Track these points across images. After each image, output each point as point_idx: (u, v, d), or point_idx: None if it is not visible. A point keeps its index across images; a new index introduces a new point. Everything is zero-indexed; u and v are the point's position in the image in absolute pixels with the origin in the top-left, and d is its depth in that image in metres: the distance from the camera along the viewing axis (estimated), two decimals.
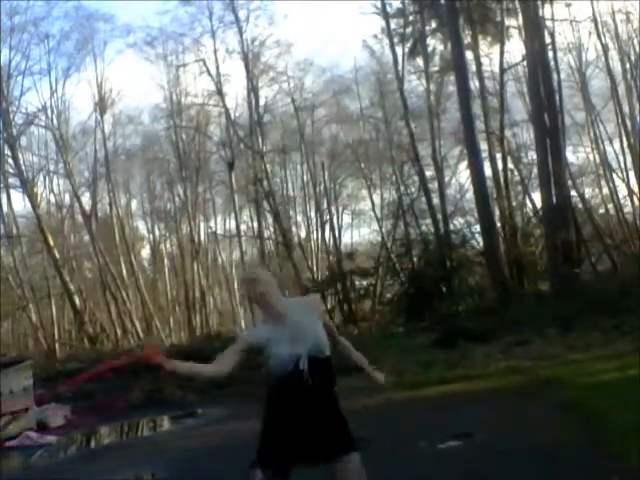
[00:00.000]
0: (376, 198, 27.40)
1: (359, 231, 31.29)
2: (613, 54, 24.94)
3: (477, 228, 22.91)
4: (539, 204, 22.30)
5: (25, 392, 10.40)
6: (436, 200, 23.71)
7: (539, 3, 20.92)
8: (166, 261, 32.83)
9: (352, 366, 3.58)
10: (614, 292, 15.82)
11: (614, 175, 25.36)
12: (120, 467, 7.23)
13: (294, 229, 28.81)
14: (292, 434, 3.22)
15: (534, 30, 20.16)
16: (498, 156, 22.95)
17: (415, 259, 23.53)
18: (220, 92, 26.39)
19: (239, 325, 28.77)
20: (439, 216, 23.16)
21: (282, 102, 27.87)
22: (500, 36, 23.20)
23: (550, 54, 21.10)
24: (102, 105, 27.52)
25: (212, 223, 31.12)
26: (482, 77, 23.35)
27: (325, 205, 28.04)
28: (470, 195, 23.24)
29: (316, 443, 3.22)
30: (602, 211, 25.61)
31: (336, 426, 3.29)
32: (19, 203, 40.05)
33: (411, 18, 25.15)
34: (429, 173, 24.36)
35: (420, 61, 25.23)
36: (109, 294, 26.52)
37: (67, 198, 28.85)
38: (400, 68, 24.11)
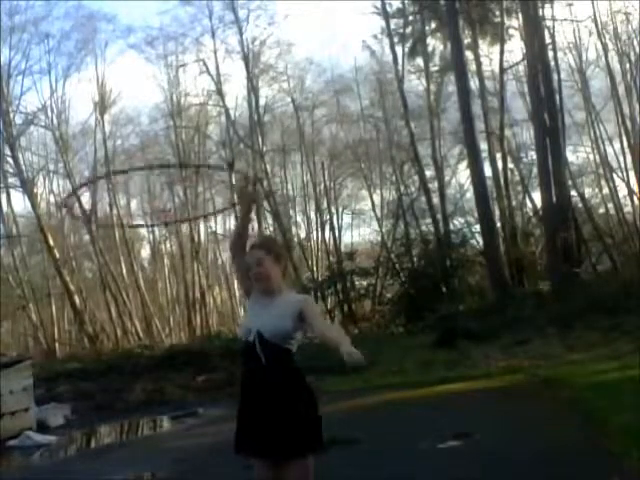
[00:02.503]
0: (376, 198, 27.42)
1: (359, 231, 31.29)
2: (614, 54, 24.96)
3: (477, 228, 22.93)
4: (539, 204, 22.33)
5: (25, 392, 10.39)
6: (436, 200, 23.72)
7: (539, 3, 20.93)
8: (166, 261, 32.84)
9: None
10: (614, 292, 15.83)
11: (614, 175, 25.36)
12: (120, 467, 7.23)
13: (294, 229, 28.82)
14: (250, 414, 3.16)
15: (534, 30, 20.16)
16: (498, 156, 22.95)
17: (415, 259, 23.54)
18: (220, 92, 26.40)
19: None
20: (439, 216, 23.17)
21: (282, 102, 27.89)
22: (500, 36, 23.21)
23: (550, 54, 21.10)
24: (102, 105, 27.51)
25: (212, 223, 31.16)
26: (482, 77, 23.36)
27: (325, 205, 28.05)
28: (470, 195, 23.28)
29: (271, 436, 3.09)
30: (602, 211, 25.60)
31: (294, 425, 3.10)
32: (19, 203, 39.99)
33: (411, 18, 25.17)
34: (429, 173, 24.39)
35: (420, 61, 25.27)
36: (109, 294, 26.52)
37: None
38: (400, 68, 24.12)
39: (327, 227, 27.43)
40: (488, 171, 21.74)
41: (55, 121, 27.18)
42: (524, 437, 6.21)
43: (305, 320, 3.17)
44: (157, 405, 12.18)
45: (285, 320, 3.14)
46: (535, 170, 22.01)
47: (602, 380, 8.58)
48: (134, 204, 33.18)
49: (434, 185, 24.15)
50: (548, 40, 21.26)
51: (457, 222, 25.09)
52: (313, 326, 3.16)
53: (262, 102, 26.97)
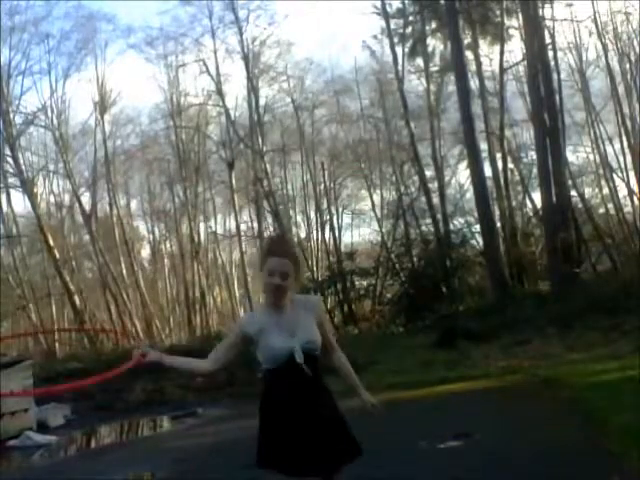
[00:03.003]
0: (376, 198, 27.41)
1: (359, 231, 31.29)
2: (614, 54, 24.97)
3: (477, 228, 22.90)
4: (539, 204, 22.32)
5: None
6: (436, 200, 23.71)
7: (539, 3, 20.92)
8: (166, 261, 32.84)
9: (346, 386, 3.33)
10: (614, 292, 15.82)
11: (614, 175, 25.37)
12: (120, 467, 7.24)
13: (294, 229, 28.80)
14: (296, 434, 3.05)
15: (534, 30, 20.15)
16: (498, 156, 22.96)
17: (415, 259, 23.53)
18: (220, 92, 26.40)
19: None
20: (439, 216, 23.16)
21: (282, 102, 27.90)
22: (500, 36, 23.21)
23: (550, 54, 21.10)
24: (102, 105, 27.52)
25: (212, 223, 31.17)
26: (482, 77, 23.36)
27: (325, 205, 28.04)
28: (470, 195, 23.27)
29: (322, 448, 3.04)
30: (602, 211, 25.59)
31: (340, 430, 3.14)
32: (19, 203, 40.14)
33: (411, 18, 25.17)
34: (429, 173, 24.38)
35: (420, 61, 25.26)
36: (109, 294, 26.53)
37: (67, 198, 28.90)
38: (400, 68, 24.12)
39: (327, 227, 27.43)
40: (488, 171, 21.76)
41: (55, 121, 27.19)
42: (524, 437, 6.21)
43: (320, 325, 3.23)
44: (157, 405, 12.20)
45: (315, 330, 3.16)
46: (535, 170, 22.00)
47: (602, 380, 8.58)
48: (134, 204, 33.28)
49: (434, 185, 24.14)
50: (548, 40, 21.26)
51: (457, 222, 25.07)
52: (327, 336, 3.25)
53: (262, 102, 26.99)
